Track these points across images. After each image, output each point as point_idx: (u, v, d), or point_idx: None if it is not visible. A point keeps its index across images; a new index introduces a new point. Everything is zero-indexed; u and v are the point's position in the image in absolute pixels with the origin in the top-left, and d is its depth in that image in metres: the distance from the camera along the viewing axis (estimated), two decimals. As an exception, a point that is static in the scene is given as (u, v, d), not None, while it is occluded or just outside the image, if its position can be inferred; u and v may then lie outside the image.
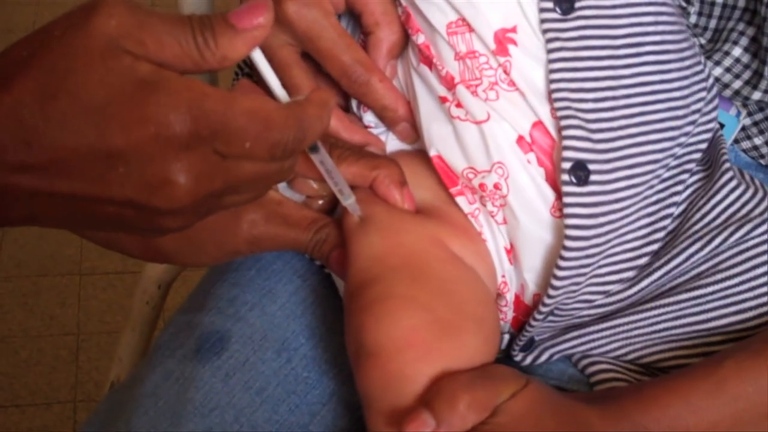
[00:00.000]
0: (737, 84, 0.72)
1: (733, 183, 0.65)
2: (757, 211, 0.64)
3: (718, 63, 0.72)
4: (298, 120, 0.48)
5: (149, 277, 1.02)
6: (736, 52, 0.72)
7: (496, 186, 0.61)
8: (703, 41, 0.75)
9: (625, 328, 0.63)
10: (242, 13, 0.47)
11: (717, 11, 0.74)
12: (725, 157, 0.66)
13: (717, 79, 0.72)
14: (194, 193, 0.45)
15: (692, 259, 0.63)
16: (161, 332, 0.70)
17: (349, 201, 0.59)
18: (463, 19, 0.61)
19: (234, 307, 0.68)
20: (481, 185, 0.61)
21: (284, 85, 0.62)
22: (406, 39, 0.65)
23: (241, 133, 0.46)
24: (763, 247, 0.63)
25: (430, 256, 0.60)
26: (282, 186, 0.63)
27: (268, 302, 0.69)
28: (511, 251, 0.63)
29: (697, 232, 0.63)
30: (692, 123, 0.64)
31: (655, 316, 0.63)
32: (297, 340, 0.68)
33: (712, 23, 0.74)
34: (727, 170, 0.65)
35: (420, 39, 0.63)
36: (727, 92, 0.72)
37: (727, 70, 0.72)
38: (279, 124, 0.47)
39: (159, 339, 0.69)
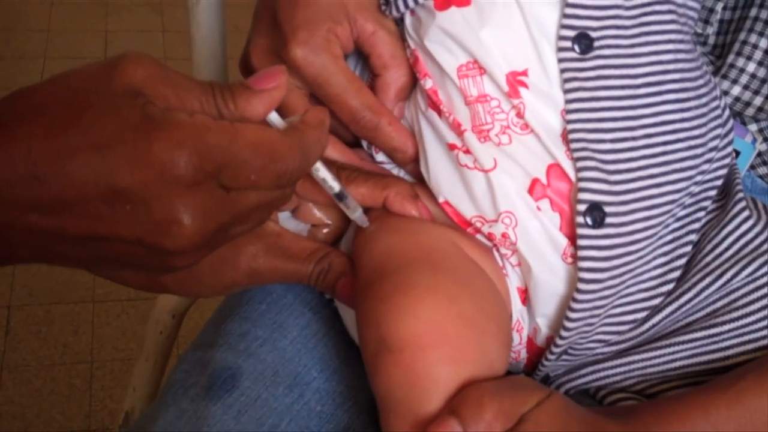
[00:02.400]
0: (758, 100, 0.71)
1: (745, 213, 0.64)
2: (767, 246, 0.63)
3: (735, 81, 0.71)
4: (300, 146, 0.48)
5: (162, 307, 1.02)
6: (751, 67, 0.71)
7: (504, 235, 0.60)
8: (712, 58, 0.74)
9: (641, 365, 0.62)
10: (260, 78, 0.49)
11: (733, 26, 0.74)
12: (739, 186, 0.65)
13: (737, 99, 0.71)
14: (202, 232, 0.45)
15: (704, 294, 0.62)
16: (174, 369, 0.70)
17: (356, 214, 0.59)
18: (475, 62, 0.60)
19: (245, 343, 0.68)
20: (490, 234, 0.61)
21: None
22: (414, 81, 0.65)
23: (246, 166, 0.46)
24: None
25: (449, 253, 0.59)
26: (284, 216, 0.62)
27: (279, 337, 0.68)
28: (525, 293, 0.62)
29: (708, 264, 0.62)
30: (709, 161, 0.63)
31: (671, 353, 0.62)
32: (309, 374, 0.68)
33: (729, 39, 0.74)
34: (740, 200, 0.64)
35: (428, 84, 0.62)
36: (750, 110, 0.72)
37: (745, 87, 0.71)
38: (284, 154, 0.47)
39: (172, 376, 0.69)
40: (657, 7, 0.61)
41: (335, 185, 0.57)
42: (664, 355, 0.62)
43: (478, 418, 0.52)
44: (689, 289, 0.62)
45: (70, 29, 2.64)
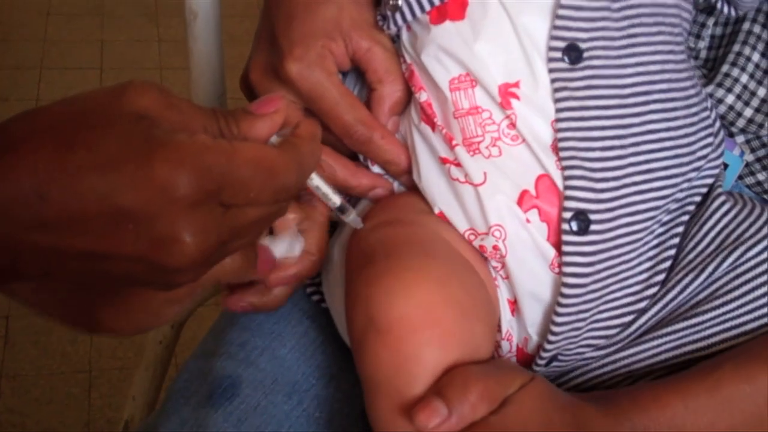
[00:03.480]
0: (749, 112, 0.72)
1: (726, 207, 0.65)
2: (750, 231, 0.64)
3: (729, 90, 0.72)
4: (297, 161, 0.50)
5: (161, 317, 1.02)
6: (744, 78, 0.72)
7: (495, 248, 0.61)
8: (704, 71, 0.75)
9: (627, 361, 0.63)
10: (260, 104, 0.51)
11: (725, 41, 0.75)
12: (719, 184, 0.66)
13: (731, 108, 0.72)
14: (202, 249, 0.46)
15: (688, 290, 0.63)
16: (175, 379, 0.71)
17: (350, 217, 0.60)
18: (467, 74, 0.61)
19: (244, 352, 0.69)
20: (481, 247, 0.62)
21: None
22: (409, 96, 0.66)
23: (245, 184, 0.47)
24: (760, 268, 0.63)
25: (439, 243, 0.61)
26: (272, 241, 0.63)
27: (278, 345, 0.70)
28: (514, 303, 0.63)
29: (691, 262, 0.63)
30: (696, 169, 0.64)
31: (655, 347, 0.63)
32: (308, 381, 0.69)
33: (721, 52, 0.75)
34: (719, 195, 0.65)
35: (422, 97, 0.64)
36: (741, 121, 0.73)
37: (738, 97, 0.72)
38: (281, 170, 0.48)
39: (173, 386, 0.70)
40: (644, 20, 0.63)
41: (336, 199, 0.59)
42: (648, 349, 0.63)
43: (463, 399, 0.53)
44: (673, 287, 0.63)
45: (67, 39, 2.64)
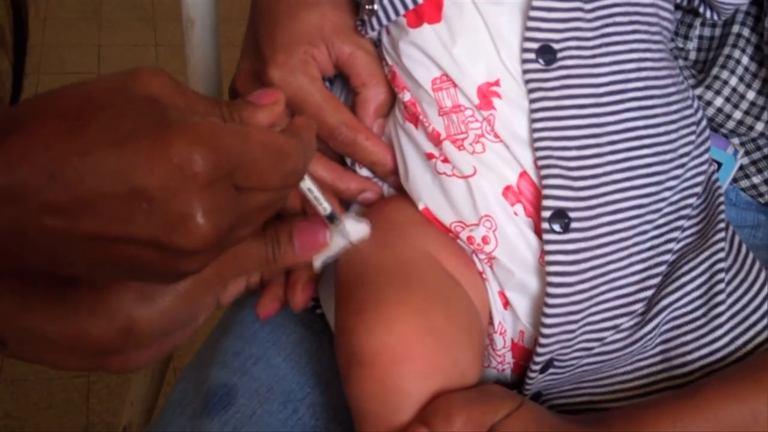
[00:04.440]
0: (737, 114, 0.73)
1: (721, 254, 0.65)
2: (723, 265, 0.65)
3: (718, 92, 0.73)
4: (303, 147, 0.50)
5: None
6: (733, 81, 0.73)
7: (484, 239, 0.62)
8: (694, 72, 0.76)
9: (620, 379, 0.64)
10: (260, 95, 0.52)
11: (715, 43, 0.75)
12: (721, 207, 0.67)
13: (719, 110, 0.73)
14: (216, 230, 0.45)
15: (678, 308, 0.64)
16: (172, 389, 0.71)
17: (340, 225, 0.60)
18: (447, 75, 0.62)
19: (239, 361, 0.69)
20: (469, 238, 0.62)
21: None
22: (393, 98, 0.67)
23: (258, 165, 0.47)
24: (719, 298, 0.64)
25: (423, 265, 0.61)
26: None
27: (273, 354, 0.70)
28: (505, 297, 0.63)
29: (684, 285, 0.64)
30: (681, 166, 0.64)
31: (644, 367, 0.64)
32: (303, 390, 0.69)
33: (711, 54, 0.75)
34: (720, 230, 0.66)
35: (406, 96, 0.64)
36: (730, 123, 0.73)
37: (727, 99, 0.73)
38: (292, 153, 0.48)
39: (171, 396, 0.70)
40: (618, 19, 0.63)
41: (327, 206, 0.58)
42: (643, 367, 0.64)
43: (448, 428, 0.54)
44: (661, 300, 0.63)
45: (64, 44, 2.64)
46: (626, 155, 0.62)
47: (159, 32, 2.75)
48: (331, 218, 0.58)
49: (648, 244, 0.63)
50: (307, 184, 0.57)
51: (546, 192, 0.60)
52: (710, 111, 0.73)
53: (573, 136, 0.61)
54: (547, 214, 0.60)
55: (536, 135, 0.60)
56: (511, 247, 0.61)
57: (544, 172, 0.60)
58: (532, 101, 0.61)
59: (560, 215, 0.60)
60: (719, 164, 0.74)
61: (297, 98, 0.65)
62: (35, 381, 1.73)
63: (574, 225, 0.60)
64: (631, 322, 0.63)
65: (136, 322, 0.50)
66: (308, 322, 0.73)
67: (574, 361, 0.63)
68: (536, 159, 0.61)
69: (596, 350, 0.63)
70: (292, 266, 0.57)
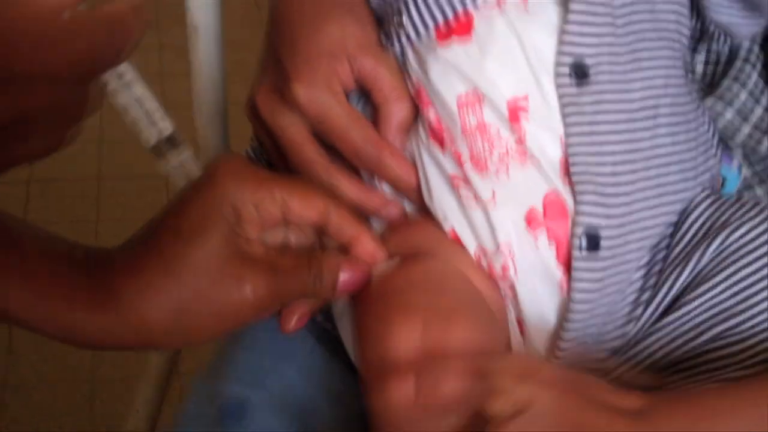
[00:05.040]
0: (746, 128, 0.73)
1: (710, 199, 0.64)
2: (735, 216, 0.63)
3: (730, 104, 0.72)
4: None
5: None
6: (743, 95, 0.73)
7: (504, 268, 0.61)
8: (702, 85, 0.75)
9: (621, 370, 0.62)
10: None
11: (725, 58, 0.75)
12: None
13: (730, 122, 0.72)
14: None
15: (677, 285, 0.62)
16: (185, 401, 0.71)
17: (179, 157, 0.57)
18: (475, 90, 0.61)
19: (251, 374, 0.69)
20: (490, 267, 0.62)
21: (297, 161, 0.65)
22: (415, 114, 0.66)
23: None
24: (744, 250, 0.61)
25: (450, 275, 0.61)
26: None
27: (285, 366, 0.70)
28: (521, 325, 0.63)
29: (677, 255, 0.62)
30: (701, 185, 0.65)
31: (648, 345, 0.62)
32: (314, 401, 0.69)
33: (719, 69, 0.75)
34: (704, 189, 0.65)
35: (431, 114, 0.63)
36: (739, 137, 0.73)
37: (738, 112, 0.72)
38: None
39: (183, 407, 0.70)
40: (648, 35, 0.63)
41: (168, 125, 0.54)
42: (642, 350, 0.62)
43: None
44: (662, 284, 0.62)
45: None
46: (657, 172, 0.62)
47: (163, 35, 2.74)
48: (171, 140, 0.55)
49: (660, 256, 0.63)
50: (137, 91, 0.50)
51: (579, 208, 0.60)
52: (720, 123, 0.73)
53: (608, 152, 0.60)
54: (579, 230, 0.59)
55: (571, 151, 0.60)
56: (530, 276, 0.61)
57: (579, 188, 0.60)
58: (566, 115, 0.60)
59: (591, 233, 0.60)
60: (723, 180, 0.74)
61: (322, 115, 0.64)
62: (40, 386, 1.73)
63: (604, 243, 0.60)
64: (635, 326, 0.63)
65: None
66: (318, 333, 0.72)
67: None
68: (569, 176, 0.60)
69: (603, 358, 0.63)
70: (325, 300, 0.60)
